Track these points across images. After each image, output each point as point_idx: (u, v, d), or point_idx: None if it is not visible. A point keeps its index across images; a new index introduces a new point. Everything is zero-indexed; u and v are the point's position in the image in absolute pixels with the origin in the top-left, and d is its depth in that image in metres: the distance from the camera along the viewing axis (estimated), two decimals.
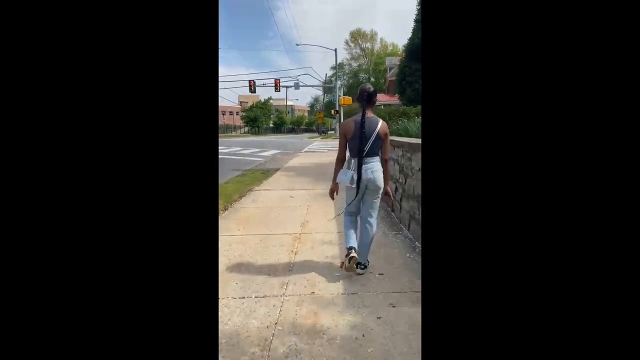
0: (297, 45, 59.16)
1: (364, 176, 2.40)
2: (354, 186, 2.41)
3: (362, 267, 2.58)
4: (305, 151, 16.59)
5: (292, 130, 60.83)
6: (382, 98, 35.18)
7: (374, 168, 2.42)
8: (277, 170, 9.11)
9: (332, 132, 42.48)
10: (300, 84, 28.71)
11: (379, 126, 2.39)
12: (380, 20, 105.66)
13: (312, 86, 32.85)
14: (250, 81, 23.37)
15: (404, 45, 10.04)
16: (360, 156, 2.38)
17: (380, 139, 2.40)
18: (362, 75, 57.67)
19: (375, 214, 2.58)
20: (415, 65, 8.79)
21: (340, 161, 2.53)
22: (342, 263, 2.59)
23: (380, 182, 2.46)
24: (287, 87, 46.14)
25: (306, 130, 60.83)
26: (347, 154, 2.57)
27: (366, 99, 2.40)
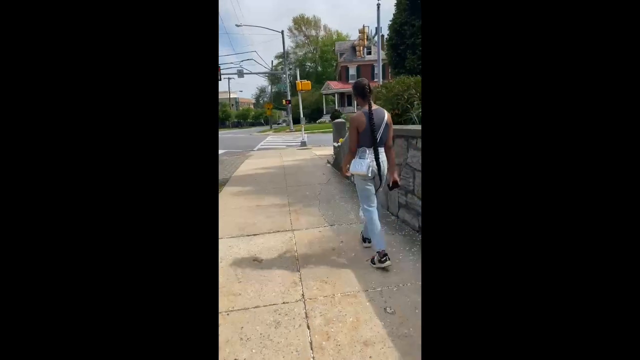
0: (237, 25, 54.30)
1: (378, 166, 2.45)
2: (370, 175, 2.44)
3: (388, 258, 2.48)
4: (259, 149, 13.55)
5: (237, 125, 56.44)
6: (335, 85, 32.97)
7: (383, 158, 2.48)
8: (224, 184, 6.11)
9: (283, 123, 39.52)
10: (245, 71, 25.23)
11: (385, 116, 2.44)
12: (320, 9, 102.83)
13: (257, 73, 29.34)
14: None
15: None
16: (376, 147, 2.41)
17: (388, 127, 2.45)
18: (309, 64, 55.07)
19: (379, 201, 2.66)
20: (418, 22, 6.22)
21: (353, 154, 2.51)
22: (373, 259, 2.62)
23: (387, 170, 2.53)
24: (229, 77, 41.92)
25: (253, 124, 56.91)
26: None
27: (369, 92, 2.43)
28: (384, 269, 2.45)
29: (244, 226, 3.62)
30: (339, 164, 6.62)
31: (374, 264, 2.50)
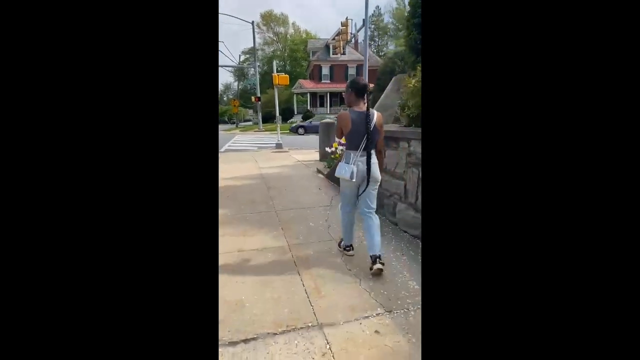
0: None
1: (368, 170, 2.38)
2: (354, 180, 2.36)
3: (381, 262, 2.36)
4: (227, 150, 11.64)
5: None
6: (307, 85, 31.34)
7: (374, 160, 2.40)
8: None
9: (249, 122, 37.34)
10: None
11: (375, 118, 2.35)
12: (287, 7, 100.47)
13: (224, 66, 26.89)
14: None
15: None
16: (369, 150, 2.33)
17: (378, 131, 2.39)
18: (277, 62, 53.10)
19: (375, 204, 2.53)
20: None
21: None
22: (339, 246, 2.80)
23: (379, 174, 2.45)
24: None
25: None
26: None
27: (363, 92, 2.36)
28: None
29: (225, 311, 1.94)
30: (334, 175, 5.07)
31: (339, 247, 2.75)
